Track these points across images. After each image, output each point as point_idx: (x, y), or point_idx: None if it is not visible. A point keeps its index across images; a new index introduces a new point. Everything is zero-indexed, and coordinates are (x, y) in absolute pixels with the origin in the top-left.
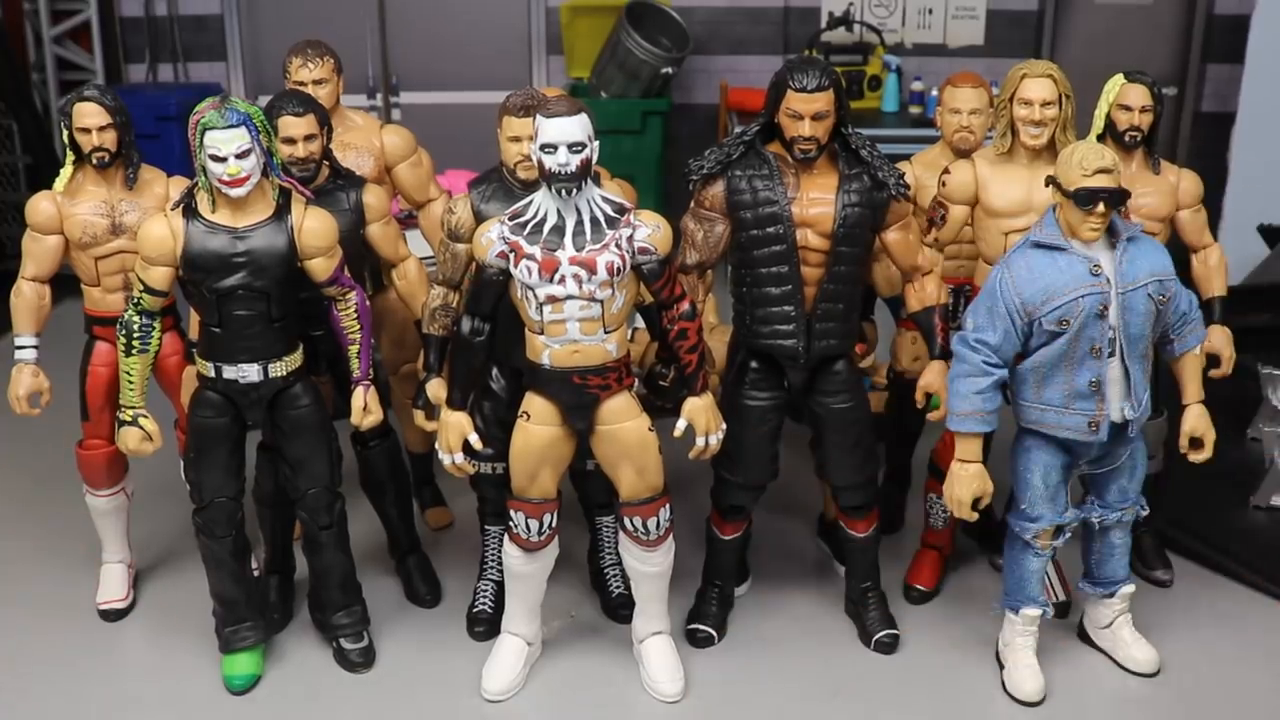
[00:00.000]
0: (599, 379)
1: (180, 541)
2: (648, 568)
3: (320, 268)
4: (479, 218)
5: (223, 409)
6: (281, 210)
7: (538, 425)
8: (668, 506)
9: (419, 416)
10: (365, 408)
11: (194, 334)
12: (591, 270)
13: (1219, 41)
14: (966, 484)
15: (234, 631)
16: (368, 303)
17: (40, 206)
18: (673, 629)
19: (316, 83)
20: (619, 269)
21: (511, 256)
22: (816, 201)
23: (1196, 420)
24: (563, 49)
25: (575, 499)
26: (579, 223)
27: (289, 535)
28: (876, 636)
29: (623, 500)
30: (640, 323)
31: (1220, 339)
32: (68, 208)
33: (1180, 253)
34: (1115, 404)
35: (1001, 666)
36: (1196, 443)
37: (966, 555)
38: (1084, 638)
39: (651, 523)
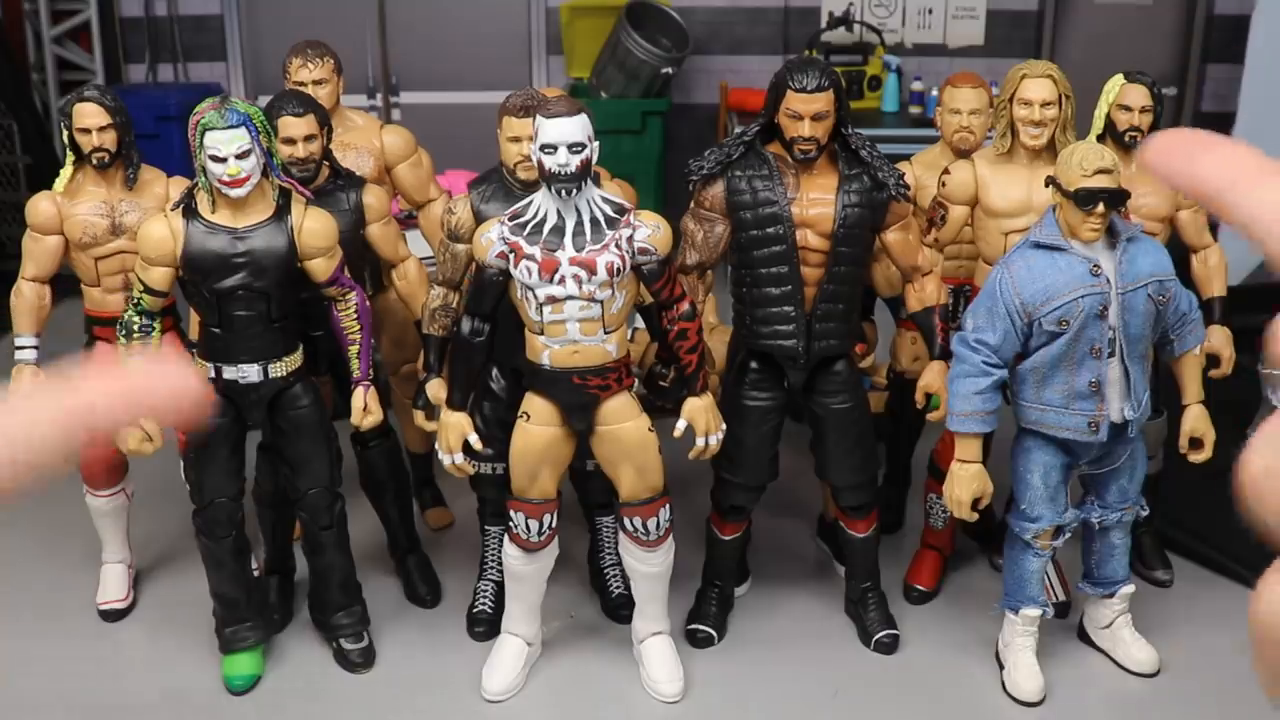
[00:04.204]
0: (599, 379)
1: (180, 541)
2: (647, 568)
3: (320, 268)
4: (479, 218)
5: (223, 409)
6: (281, 211)
7: (537, 426)
8: (668, 507)
9: (419, 417)
10: (365, 408)
11: (194, 334)
12: (591, 271)
13: (1219, 41)
14: (966, 484)
15: (234, 631)
16: (368, 303)
17: (40, 207)
18: (673, 629)
19: (316, 83)
20: (619, 269)
21: (511, 257)
22: (816, 202)
23: (1196, 420)
24: (563, 49)
25: (575, 499)
26: (579, 223)
27: (289, 535)
28: (876, 636)
29: (623, 500)
30: (640, 323)
31: (1220, 339)
32: (68, 208)
33: (1180, 253)
34: (1115, 404)
35: (1001, 666)
36: (1196, 443)
37: (966, 555)
38: (1084, 638)
39: (651, 523)
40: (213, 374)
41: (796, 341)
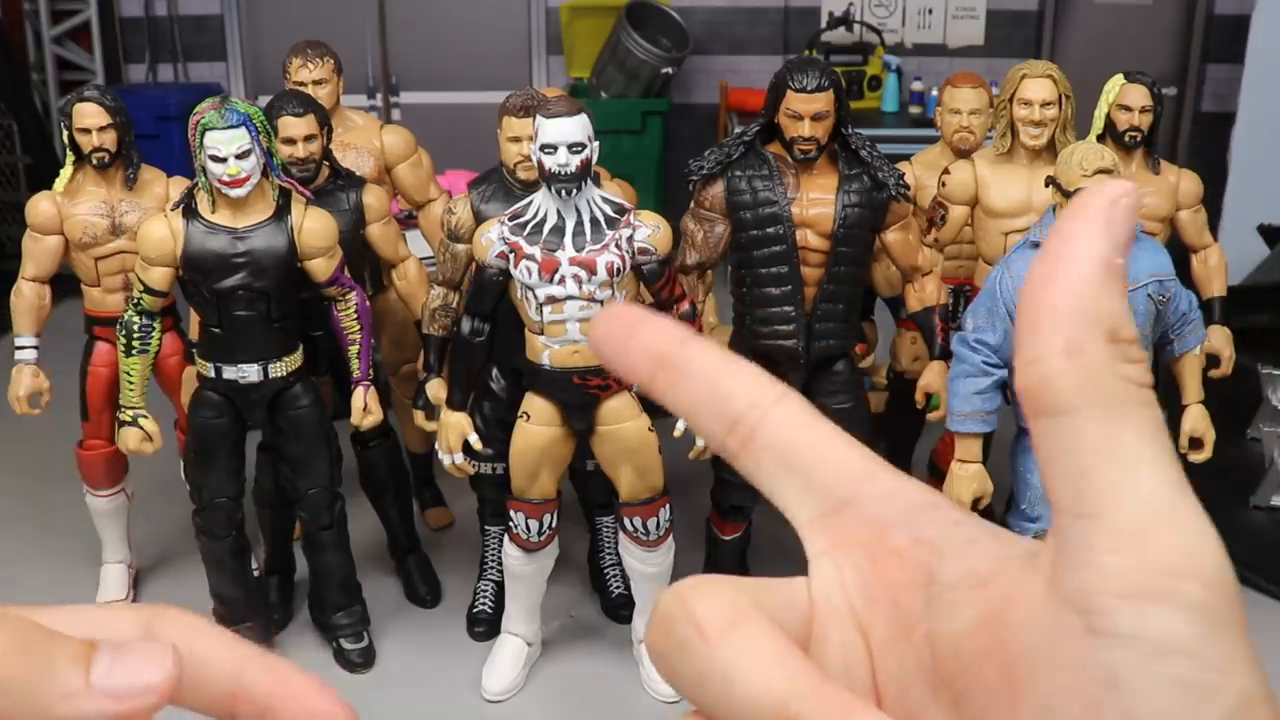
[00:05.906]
0: (599, 379)
1: (180, 541)
2: (648, 568)
3: (320, 268)
4: (479, 218)
5: (223, 409)
6: (281, 211)
7: (537, 426)
8: (668, 507)
9: (419, 417)
10: (365, 408)
11: (194, 334)
12: (591, 271)
13: (1219, 41)
14: (966, 484)
15: (234, 631)
16: (368, 303)
17: (40, 207)
18: None
19: (316, 83)
20: (619, 269)
21: (511, 257)
22: (816, 202)
23: (1196, 420)
24: (563, 49)
25: (575, 499)
26: (579, 223)
27: (289, 535)
28: None
29: (623, 500)
30: None
31: (1220, 339)
32: (68, 208)
33: (1180, 253)
34: None
35: None
36: (1196, 443)
37: None
38: None
39: (651, 523)
40: (212, 374)
41: (796, 341)
